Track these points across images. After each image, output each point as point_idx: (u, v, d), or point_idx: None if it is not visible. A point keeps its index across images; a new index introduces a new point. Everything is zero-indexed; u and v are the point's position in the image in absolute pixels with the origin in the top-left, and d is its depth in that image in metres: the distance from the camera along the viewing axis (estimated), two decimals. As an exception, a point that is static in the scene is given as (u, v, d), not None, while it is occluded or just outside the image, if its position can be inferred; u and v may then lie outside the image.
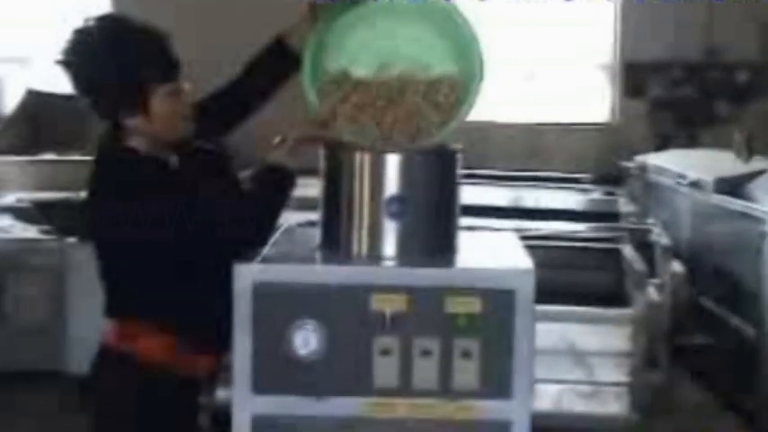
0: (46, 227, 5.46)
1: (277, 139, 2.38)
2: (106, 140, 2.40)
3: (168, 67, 2.33)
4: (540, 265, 4.53)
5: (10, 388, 4.73)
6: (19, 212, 5.73)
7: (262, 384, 2.23)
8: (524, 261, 2.36)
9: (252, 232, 2.32)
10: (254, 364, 2.23)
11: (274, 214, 2.37)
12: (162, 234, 2.27)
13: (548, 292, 4.36)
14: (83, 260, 4.09)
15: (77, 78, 2.32)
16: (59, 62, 2.32)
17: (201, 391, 2.45)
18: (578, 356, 4.41)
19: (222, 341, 2.32)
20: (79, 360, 2.56)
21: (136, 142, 2.35)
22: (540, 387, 4.44)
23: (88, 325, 2.61)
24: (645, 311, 4.42)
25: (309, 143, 2.40)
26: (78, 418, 2.57)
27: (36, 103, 7.52)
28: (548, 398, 4.45)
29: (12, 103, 7.80)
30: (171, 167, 2.40)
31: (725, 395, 4.96)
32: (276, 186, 2.36)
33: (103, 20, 2.36)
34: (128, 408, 2.39)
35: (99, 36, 2.31)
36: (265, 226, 2.35)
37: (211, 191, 2.37)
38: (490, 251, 2.47)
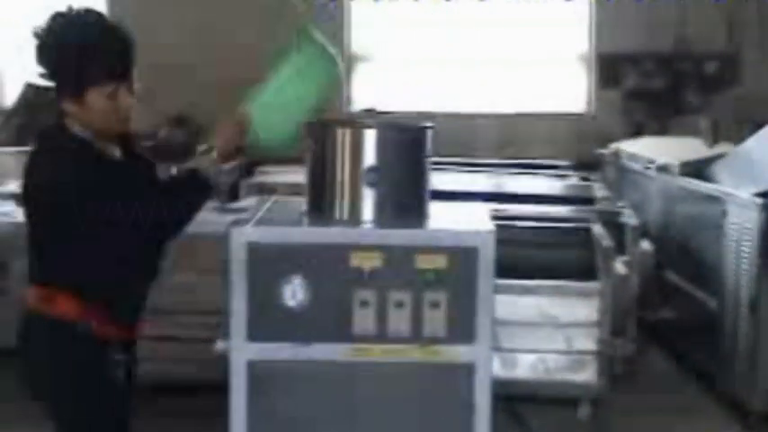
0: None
1: (203, 148, 2.63)
2: (53, 120, 2.62)
3: (113, 72, 2.53)
4: (517, 243, 4.83)
5: (12, 359, 5.00)
6: (20, 198, 5.92)
7: (255, 333, 2.54)
8: (486, 224, 2.65)
9: (162, 230, 2.57)
10: (249, 316, 2.53)
11: (184, 216, 2.59)
12: (81, 216, 2.46)
13: (524, 268, 4.70)
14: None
15: (39, 53, 2.55)
16: (33, 34, 2.54)
17: (116, 350, 2.61)
18: (551, 327, 4.69)
19: (135, 314, 2.62)
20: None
21: (75, 127, 2.57)
22: (516, 356, 4.73)
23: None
24: (612, 284, 4.70)
25: (233, 153, 2.66)
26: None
27: (33, 96, 7.75)
28: (522, 366, 4.74)
29: (11, 94, 8.04)
30: (102, 155, 2.60)
31: (689, 362, 5.26)
32: (192, 192, 2.60)
33: (80, 12, 2.56)
34: (51, 364, 2.58)
35: (67, 24, 2.55)
36: (174, 225, 2.58)
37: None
38: (457, 217, 2.76)
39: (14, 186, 6.32)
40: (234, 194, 5.40)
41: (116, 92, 2.54)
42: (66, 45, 2.52)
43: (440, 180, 5.18)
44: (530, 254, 4.88)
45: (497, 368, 4.55)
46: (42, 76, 2.57)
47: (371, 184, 2.58)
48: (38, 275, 2.62)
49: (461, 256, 2.51)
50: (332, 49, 2.70)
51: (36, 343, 2.60)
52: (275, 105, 2.66)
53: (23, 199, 2.63)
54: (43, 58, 2.55)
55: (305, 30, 2.69)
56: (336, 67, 2.72)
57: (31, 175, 2.60)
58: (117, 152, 2.66)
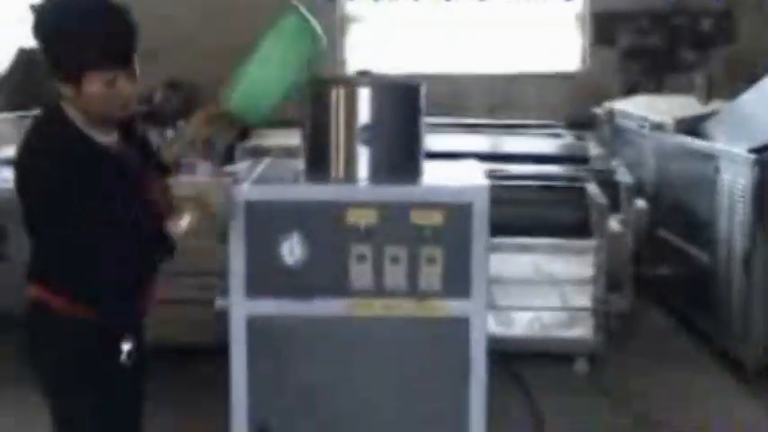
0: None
1: (173, 136, 2.57)
2: (50, 101, 2.48)
3: (113, 58, 2.35)
4: (512, 202, 4.86)
5: (13, 326, 5.04)
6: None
7: (254, 289, 2.58)
8: (480, 180, 2.68)
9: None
10: (248, 272, 2.57)
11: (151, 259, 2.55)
12: (69, 211, 2.36)
13: (519, 227, 4.74)
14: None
15: (35, 33, 2.39)
16: (30, 9, 2.40)
17: (123, 338, 2.54)
18: (547, 284, 4.75)
19: (140, 303, 2.58)
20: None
21: (70, 111, 2.42)
22: (512, 313, 4.79)
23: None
24: (606, 241, 4.76)
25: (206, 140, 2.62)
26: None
27: (27, 59, 7.72)
28: (519, 323, 4.81)
29: (5, 61, 8.02)
30: (97, 146, 2.45)
31: (685, 319, 5.31)
32: (156, 250, 2.51)
33: None
34: (52, 354, 2.52)
35: (66, 2, 2.39)
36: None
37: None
38: (451, 173, 2.79)
39: (12, 152, 6.33)
40: (229, 157, 5.42)
41: (115, 79, 2.36)
42: (63, 26, 2.35)
43: (433, 141, 5.24)
44: (525, 212, 4.93)
45: (494, 326, 4.63)
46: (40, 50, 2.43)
47: (366, 142, 2.61)
48: (36, 271, 2.54)
49: (456, 211, 2.55)
50: (316, 24, 2.65)
51: (37, 334, 2.55)
52: (256, 81, 2.57)
53: (17, 190, 2.48)
54: (39, 38, 2.39)
55: (290, 7, 2.65)
56: (320, 42, 2.67)
57: (23, 165, 2.45)
58: (114, 138, 2.51)
